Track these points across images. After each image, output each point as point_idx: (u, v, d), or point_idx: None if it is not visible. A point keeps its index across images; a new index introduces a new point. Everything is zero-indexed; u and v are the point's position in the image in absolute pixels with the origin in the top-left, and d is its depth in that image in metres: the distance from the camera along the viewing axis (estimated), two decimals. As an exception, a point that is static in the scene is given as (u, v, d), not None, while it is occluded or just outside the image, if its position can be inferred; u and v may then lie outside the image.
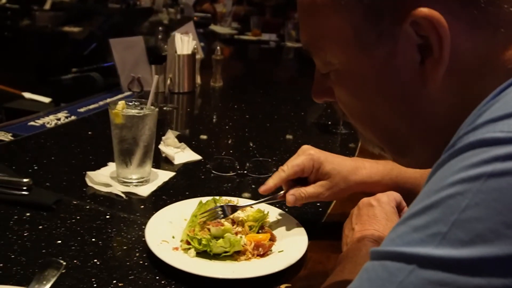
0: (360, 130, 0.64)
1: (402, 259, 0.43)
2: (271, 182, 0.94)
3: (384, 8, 0.52)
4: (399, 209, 0.93)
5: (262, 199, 0.97)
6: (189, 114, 1.89)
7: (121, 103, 1.10)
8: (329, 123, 1.76)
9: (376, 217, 0.90)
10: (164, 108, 1.77)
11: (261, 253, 0.85)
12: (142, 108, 1.12)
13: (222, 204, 0.92)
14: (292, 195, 0.94)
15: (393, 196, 0.94)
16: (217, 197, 0.98)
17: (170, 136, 1.34)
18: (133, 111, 1.10)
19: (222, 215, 0.90)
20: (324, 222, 1.03)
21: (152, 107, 1.11)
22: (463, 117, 0.50)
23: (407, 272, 0.42)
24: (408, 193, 0.97)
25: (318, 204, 1.08)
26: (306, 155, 0.94)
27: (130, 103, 1.13)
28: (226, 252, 0.84)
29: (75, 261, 0.82)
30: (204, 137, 1.55)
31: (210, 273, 0.79)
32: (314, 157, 0.93)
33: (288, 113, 1.88)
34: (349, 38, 0.56)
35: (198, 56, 2.11)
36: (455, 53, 0.51)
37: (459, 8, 0.50)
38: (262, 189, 0.94)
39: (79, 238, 0.89)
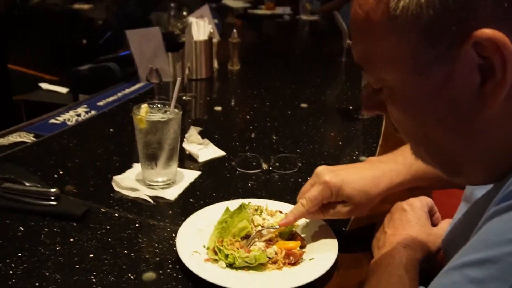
0: (413, 147, 0.62)
1: None
2: (292, 216, 0.91)
3: (443, 30, 0.49)
4: (430, 214, 0.92)
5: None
6: (209, 103, 1.86)
7: (144, 107, 1.09)
8: (351, 108, 1.73)
9: (409, 222, 0.89)
10: (184, 97, 1.75)
11: (292, 261, 0.85)
12: (165, 112, 1.10)
13: (257, 231, 0.91)
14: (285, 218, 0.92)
15: (425, 201, 0.92)
16: (246, 202, 0.97)
17: (193, 133, 1.32)
18: (157, 116, 1.09)
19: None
20: (352, 224, 1.02)
21: (176, 110, 1.10)
22: None
23: None
24: (430, 183, 0.95)
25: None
26: (322, 183, 0.89)
27: (153, 106, 1.11)
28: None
29: (110, 277, 0.83)
30: (226, 130, 1.53)
31: (242, 286, 0.79)
32: (330, 185, 0.88)
33: (308, 98, 1.85)
34: (404, 59, 0.53)
35: (214, 40, 2.07)
36: None
37: None
38: (283, 222, 0.91)
39: (111, 251, 0.90)
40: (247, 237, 0.90)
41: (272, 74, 2.20)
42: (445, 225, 0.90)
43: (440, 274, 0.48)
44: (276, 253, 0.86)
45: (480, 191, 0.77)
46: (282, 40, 3.26)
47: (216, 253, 0.86)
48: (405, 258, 0.81)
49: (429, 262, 0.84)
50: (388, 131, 1.50)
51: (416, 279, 0.78)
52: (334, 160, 1.32)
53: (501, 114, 0.50)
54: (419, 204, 0.92)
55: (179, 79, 1.09)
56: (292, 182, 1.19)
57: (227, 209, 0.94)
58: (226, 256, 0.85)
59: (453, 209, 0.83)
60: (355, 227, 1.01)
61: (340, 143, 1.46)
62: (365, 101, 0.63)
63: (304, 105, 1.75)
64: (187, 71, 1.75)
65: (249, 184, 1.17)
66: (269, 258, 0.85)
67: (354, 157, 1.34)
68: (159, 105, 1.12)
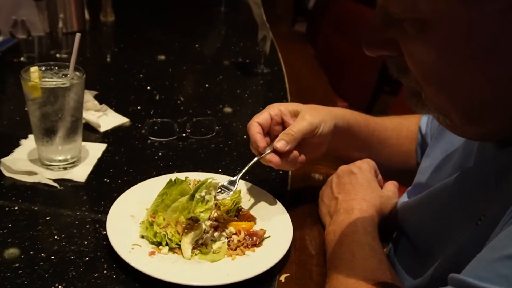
0: (427, 93, 0.52)
1: None
2: (259, 137, 0.83)
3: None
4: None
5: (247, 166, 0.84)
6: (91, 61, 1.60)
7: (35, 71, 0.87)
8: (248, 61, 1.64)
9: (361, 185, 0.85)
10: (57, 55, 1.50)
11: (257, 242, 0.76)
12: (63, 75, 0.90)
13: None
14: (282, 140, 0.82)
15: (372, 163, 0.90)
16: (186, 175, 0.85)
17: (89, 98, 1.13)
18: (54, 81, 0.88)
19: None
20: (290, 190, 0.96)
21: (78, 73, 0.90)
22: None
23: None
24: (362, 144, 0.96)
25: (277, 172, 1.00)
26: (305, 120, 0.84)
27: (45, 68, 0.90)
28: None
29: (32, 291, 0.65)
30: (121, 92, 1.34)
31: (208, 281, 0.68)
32: (281, 108, 0.85)
33: (198, 54, 1.71)
34: None
35: (83, -13, 1.79)
36: None
37: None
38: (261, 147, 0.82)
39: (23, 257, 0.71)
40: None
41: (151, 26, 1.99)
42: (391, 187, 0.88)
43: (484, 262, 0.43)
44: (233, 234, 0.76)
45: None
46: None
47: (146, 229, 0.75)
48: (367, 225, 0.77)
49: (383, 224, 0.82)
50: (417, 110, 1.45)
51: (381, 244, 0.75)
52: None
53: None
54: (367, 167, 0.89)
55: (78, 35, 0.88)
56: (213, 148, 1.08)
57: (170, 180, 0.80)
58: (155, 234, 0.73)
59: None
60: (293, 188, 0.95)
61: (250, 100, 1.37)
62: (371, 37, 0.52)
63: (195, 61, 1.62)
64: (60, 24, 1.48)
65: (168, 155, 1.03)
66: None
67: (268, 116, 1.27)
68: (53, 67, 0.91)
